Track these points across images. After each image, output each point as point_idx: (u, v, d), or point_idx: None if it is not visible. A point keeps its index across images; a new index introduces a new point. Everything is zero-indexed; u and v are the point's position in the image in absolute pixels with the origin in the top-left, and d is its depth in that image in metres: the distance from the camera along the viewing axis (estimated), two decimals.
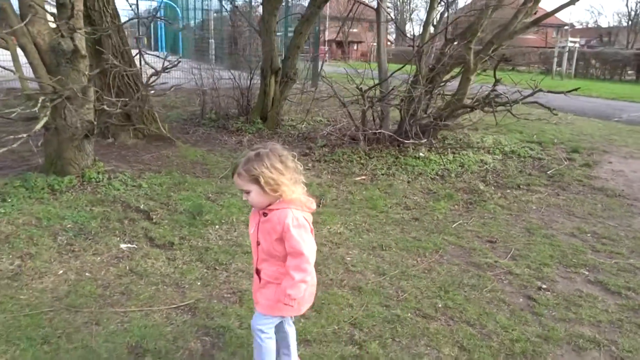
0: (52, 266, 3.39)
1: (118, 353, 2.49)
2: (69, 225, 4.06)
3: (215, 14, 25.42)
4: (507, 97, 6.57)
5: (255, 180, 1.85)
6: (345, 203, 4.99)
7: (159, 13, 32.82)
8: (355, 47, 52.53)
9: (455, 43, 6.92)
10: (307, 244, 1.87)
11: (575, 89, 6.41)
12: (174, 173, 5.56)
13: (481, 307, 3.03)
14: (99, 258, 3.55)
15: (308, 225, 1.93)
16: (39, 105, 4.49)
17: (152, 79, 5.92)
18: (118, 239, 3.88)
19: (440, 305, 3.05)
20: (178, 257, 3.60)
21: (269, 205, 1.91)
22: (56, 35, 4.99)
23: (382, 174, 6.02)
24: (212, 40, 23.44)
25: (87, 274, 3.33)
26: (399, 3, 53.94)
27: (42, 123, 4.51)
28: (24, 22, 4.74)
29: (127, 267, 3.43)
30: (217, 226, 4.19)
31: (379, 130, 6.44)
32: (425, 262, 3.67)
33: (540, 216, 4.76)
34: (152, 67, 5.85)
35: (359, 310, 2.96)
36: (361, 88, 6.73)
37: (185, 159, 6.25)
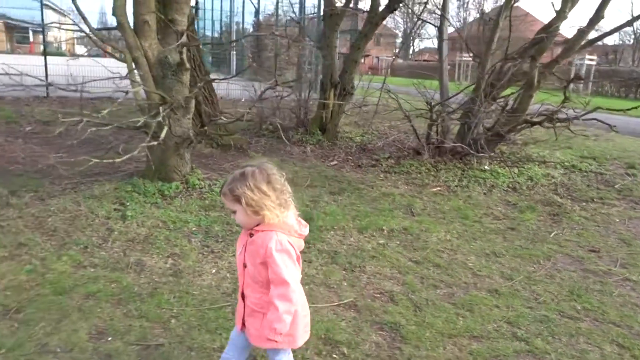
0: (204, 265, 3.64)
1: (313, 344, 2.73)
2: (194, 229, 4.31)
3: (235, 27, 25.80)
4: (566, 114, 6.89)
5: (238, 201, 1.78)
6: (437, 213, 5.25)
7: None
8: (362, 61, 53.26)
9: (516, 60, 7.24)
10: (289, 270, 1.77)
11: (635, 107, 6.71)
12: None
13: (619, 310, 3.29)
14: None
15: (293, 251, 1.82)
16: (162, 114, 4.78)
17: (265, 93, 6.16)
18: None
19: (579, 308, 3.30)
20: (313, 260, 3.85)
21: (257, 225, 1.83)
22: (164, 49, 5.30)
23: (456, 186, 6.29)
24: (234, 52, 23.81)
25: (237, 273, 3.57)
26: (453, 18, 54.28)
27: (164, 132, 4.79)
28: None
29: None
30: (332, 232, 4.44)
31: (456, 144, 6.69)
32: (543, 269, 3.93)
33: (628, 228, 5.03)
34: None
35: (507, 311, 3.22)
36: (430, 103, 7.03)
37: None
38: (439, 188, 6.22)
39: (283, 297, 1.76)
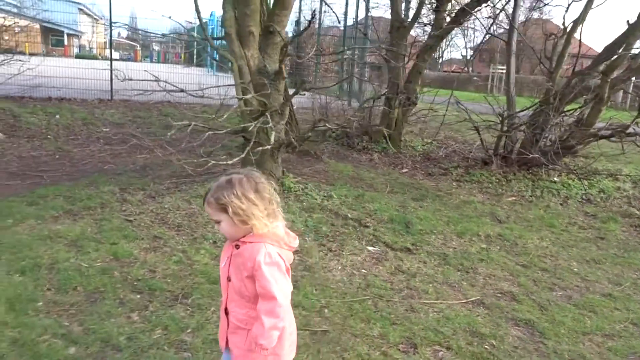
0: (328, 262, 3.91)
1: (461, 335, 2.97)
2: (302, 229, 4.59)
3: None
4: (634, 128, 7.04)
5: (224, 210, 1.67)
6: (522, 221, 5.45)
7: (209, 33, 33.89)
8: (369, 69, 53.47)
9: (586, 75, 7.41)
10: (279, 284, 1.66)
11: None
12: (347, 186, 6.09)
13: None
14: (359, 257, 4.06)
15: (283, 264, 1.70)
16: (270, 123, 5.09)
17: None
18: (357, 242, 4.39)
19: None
20: (427, 261, 4.10)
21: (244, 236, 1.72)
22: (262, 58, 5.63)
23: (530, 196, 6.48)
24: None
25: (363, 270, 3.84)
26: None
27: (273, 137, 5.11)
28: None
29: (393, 267, 3.93)
30: (432, 235, 4.69)
31: (533, 155, 6.87)
32: None
33: None
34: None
35: (628, 313, 3.42)
36: (502, 114, 7.25)
37: (341, 174, 6.79)
38: (514, 197, 6.42)
39: (270, 313, 1.64)
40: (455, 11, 8.80)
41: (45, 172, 6.00)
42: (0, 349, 2.52)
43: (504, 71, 27.48)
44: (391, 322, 3.06)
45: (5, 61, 7.66)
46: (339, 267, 3.84)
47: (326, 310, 3.15)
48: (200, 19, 5.15)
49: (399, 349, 2.79)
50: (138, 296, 3.16)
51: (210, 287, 3.31)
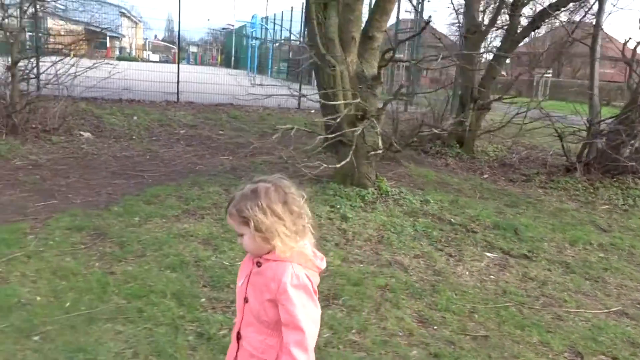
0: (455, 268, 3.94)
1: (621, 345, 2.96)
2: (412, 233, 4.63)
3: None
4: None
5: (247, 223, 1.47)
6: (626, 230, 5.37)
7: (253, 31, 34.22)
8: (424, 74, 53.09)
9: None
10: (307, 310, 1.45)
11: None
12: (437, 191, 6.10)
13: None
14: (482, 264, 4.08)
15: (311, 286, 1.49)
16: (378, 128, 5.16)
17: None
18: (472, 247, 4.40)
19: None
20: (551, 269, 4.08)
21: (268, 253, 1.51)
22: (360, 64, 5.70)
23: (623, 204, 6.37)
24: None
25: (491, 276, 3.85)
26: None
27: (380, 140, 5.17)
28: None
29: (519, 274, 3.93)
30: (545, 243, 4.66)
31: (630, 163, 6.73)
32: None
33: None
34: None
35: None
36: (590, 121, 7.14)
37: (426, 178, 6.80)
38: (607, 206, 6.31)
39: (301, 345, 1.43)
40: (532, 15, 8.72)
41: (144, 172, 6.21)
42: (189, 341, 2.64)
43: (549, 76, 26.71)
44: (545, 329, 3.06)
45: (97, 65, 7.95)
46: (467, 273, 3.86)
47: (476, 316, 3.18)
48: (312, 23, 5.23)
49: (565, 357, 2.80)
50: None
51: (353, 288, 3.38)
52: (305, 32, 6.68)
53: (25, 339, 2.58)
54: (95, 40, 11.06)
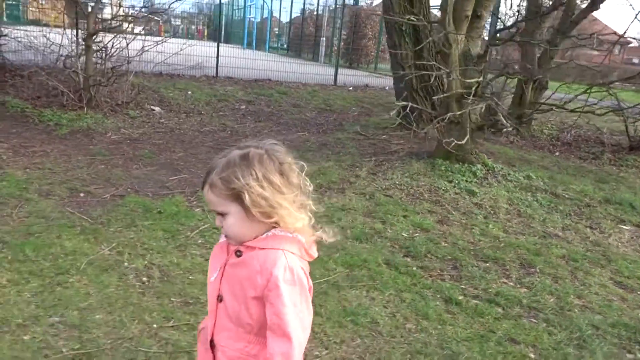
0: (608, 240, 4.20)
1: None
2: (540, 207, 4.86)
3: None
4: None
5: (237, 198, 1.18)
6: None
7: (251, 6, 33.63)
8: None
9: None
10: (299, 313, 1.19)
11: None
12: (528, 167, 6.35)
13: None
14: (625, 235, 4.35)
15: (306, 282, 1.23)
16: (501, 105, 5.32)
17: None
18: (605, 220, 4.67)
19: None
20: None
21: (255, 238, 1.23)
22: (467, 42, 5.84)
23: None
24: (324, 38, 24.24)
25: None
26: None
27: (503, 118, 5.35)
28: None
29: None
30: None
31: None
32: None
33: None
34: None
35: None
36: None
37: (507, 155, 7.03)
38: None
39: (286, 355, 1.17)
40: None
41: None
42: (438, 306, 2.83)
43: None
44: None
45: (165, 40, 7.86)
46: (619, 244, 4.13)
47: None
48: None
49: None
50: (487, 264, 3.45)
51: (537, 257, 3.60)
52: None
53: None
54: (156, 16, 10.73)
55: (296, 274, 1.19)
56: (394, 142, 7.02)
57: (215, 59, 11.71)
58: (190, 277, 2.91)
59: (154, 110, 7.68)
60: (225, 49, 13.02)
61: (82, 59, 7.18)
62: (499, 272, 3.32)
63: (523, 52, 9.02)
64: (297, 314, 1.18)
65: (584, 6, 8.98)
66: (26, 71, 7.96)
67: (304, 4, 28.33)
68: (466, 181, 5.32)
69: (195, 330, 2.39)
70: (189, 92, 9.22)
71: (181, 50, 8.37)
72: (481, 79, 5.47)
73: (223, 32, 37.01)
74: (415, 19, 5.64)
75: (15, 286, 2.62)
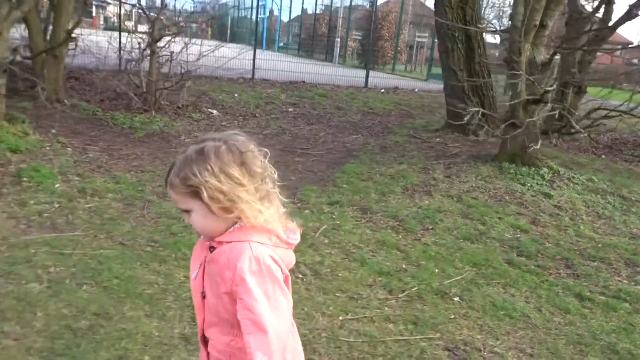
0: None
1: None
2: (614, 209, 5.13)
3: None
4: None
5: (196, 194, 1.17)
6: None
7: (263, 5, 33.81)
8: None
9: None
10: (273, 305, 1.16)
11: None
12: (584, 170, 6.62)
13: None
14: None
15: (279, 270, 1.21)
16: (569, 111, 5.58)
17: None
18: None
19: None
20: None
21: (223, 233, 1.22)
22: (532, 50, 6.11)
23: None
24: (338, 39, 24.48)
25: None
26: None
27: (580, 129, 5.62)
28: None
29: None
30: None
31: None
32: None
33: None
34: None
35: None
36: None
37: (559, 159, 7.30)
38: None
39: (264, 350, 1.14)
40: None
41: (307, 149, 6.51)
42: (571, 302, 3.09)
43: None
44: None
45: (223, 45, 8.10)
46: None
47: None
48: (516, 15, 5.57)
49: None
50: (595, 263, 3.72)
51: (635, 257, 3.87)
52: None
53: (443, 299, 2.98)
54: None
55: (263, 264, 1.16)
56: (450, 145, 7.28)
57: (252, 61, 11.95)
58: (339, 275, 3.16)
59: (212, 113, 7.92)
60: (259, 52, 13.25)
61: (143, 63, 7.41)
62: (610, 271, 3.59)
63: (563, 57, 9.31)
64: (271, 306, 1.15)
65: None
66: (87, 75, 8.19)
67: (316, 4, 28.63)
68: (537, 184, 5.58)
69: (373, 323, 2.65)
70: (236, 95, 9.46)
71: (239, 54, 8.57)
72: (554, 86, 5.74)
73: (229, 31, 37.29)
74: (487, 28, 5.90)
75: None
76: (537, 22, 5.91)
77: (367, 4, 26.40)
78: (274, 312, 1.15)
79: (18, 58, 5.24)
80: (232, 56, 9.70)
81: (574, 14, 9.16)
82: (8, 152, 4.63)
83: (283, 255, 1.24)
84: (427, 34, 24.79)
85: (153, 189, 4.37)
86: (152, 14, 7.86)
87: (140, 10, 8.13)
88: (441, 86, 14.97)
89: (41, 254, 3.00)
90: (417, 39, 23.13)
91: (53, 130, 5.80)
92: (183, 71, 7.53)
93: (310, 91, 11.09)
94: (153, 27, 7.27)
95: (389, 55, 22.01)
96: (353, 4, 25.07)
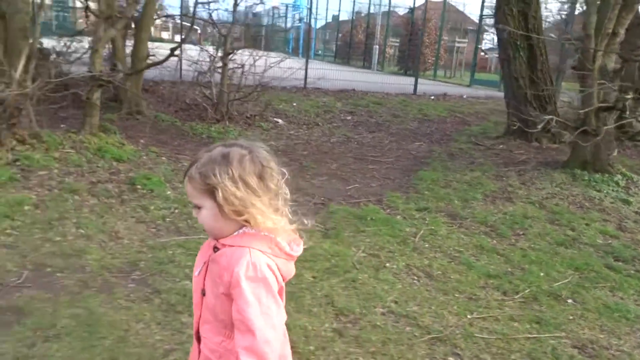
0: None
1: None
2: None
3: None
4: None
5: (212, 193, 1.22)
6: None
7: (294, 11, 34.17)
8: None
9: None
10: (264, 310, 1.21)
11: None
12: None
13: None
14: None
15: (274, 280, 1.25)
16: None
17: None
18: None
19: None
20: None
21: (228, 235, 1.27)
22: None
23: None
24: (377, 46, 24.68)
25: None
26: None
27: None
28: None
29: None
30: None
31: None
32: None
33: None
34: None
35: None
36: None
37: (622, 163, 7.32)
38: None
39: (252, 351, 1.19)
40: None
41: (377, 157, 6.73)
42: None
43: None
44: None
45: (285, 58, 8.36)
46: None
47: None
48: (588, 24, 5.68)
49: None
50: None
51: None
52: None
53: (557, 300, 3.14)
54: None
55: (259, 270, 1.21)
56: (515, 152, 7.38)
57: (304, 70, 12.26)
58: (451, 277, 3.35)
59: (278, 122, 8.23)
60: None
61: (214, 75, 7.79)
62: None
63: (623, 62, 9.29)
64: (262, 311, 1.19)
65: None
66: (155, 86, 8.63)
67: (353, 9, 28.93)
68: (613, 190, 5.65)
69: (499, 322, 2.83)
70: (294, 104, 9.77)
71: (303, 66, 8.85)
72: (630, 95, 5.81)
73: (263, 40, 37.91)
74: (563, 38, 6.01)
75: (321, 281, 3.11)
76: (609, 31, 5.99)
77: (398, 10, 26.53)
78: (263, 317, 1.19)
79: (120, 75, 5.61)
80: (292, 66, 10.00)
81: (636, 20, 9.16)
82: (114, 162, 5.01)
83: (281, 265, 1.28)
84: (466, 40, 24.81)
85: None
86: (215, 29, 8.22)
87: (211, 25, 8.49)
88: (487, 92, 15.10)
89: (179, 255, 3.30)
90: (456, 44, 23.13)
91: (142, 141, 6.18)
92: (255, 83, 7.87)
93: (364, 99, 11.33)
94: (225, 40, 7.64)
95: (429, 61, 22.08)
96: (385, 10, 25.29)
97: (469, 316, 2.84)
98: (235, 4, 7.89)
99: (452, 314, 2.87)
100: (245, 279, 1.18)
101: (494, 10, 9.12)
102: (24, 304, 2.52)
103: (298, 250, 1.31)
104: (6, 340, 2.23)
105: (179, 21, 10.08)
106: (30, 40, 5.33)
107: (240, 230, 1.25)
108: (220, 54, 7.81)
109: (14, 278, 2.79)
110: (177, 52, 6.38)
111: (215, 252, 1.28)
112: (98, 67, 5.75)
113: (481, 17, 17.19)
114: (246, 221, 1.22)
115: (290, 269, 1.32)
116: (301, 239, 1.34)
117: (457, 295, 3.10)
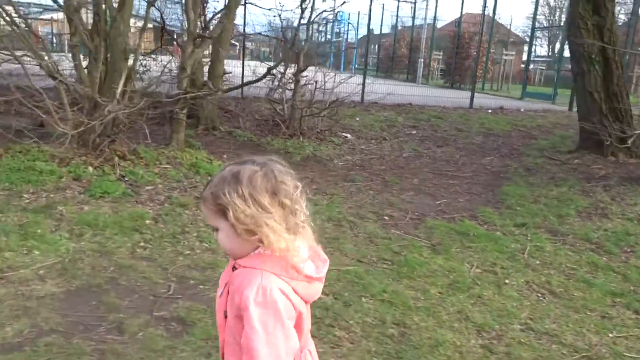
0: None
1: None
2: None
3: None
4: None
5: (223, 213, 1.20)
6: None
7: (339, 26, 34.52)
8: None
9: None
10: (272, 342, 1.15)
11: None
12: None
13: None
14: None
15: (289, 306, 1.19)
16: None
17: None
18: None
19: None
20: None
21: (246, 255, 1.24)
22: None
23: None
24: (422, 60, 24.66)
25: None
26: None
27: None
28: None
29: None
30: None
31: None
32: None
33: None
34: None
35: None
36: None
37: None
38: None
39: None
40: None
41: (452, 172, 6.73)
42: None
43: None
44: None
45: (352, 75, 8.50)
46: None
47: None
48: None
49: None
50: None
51: None
52: None
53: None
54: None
55: (269, 296, 1.15)
56: (593, 167, 7.24)
57: (362, 85, 12.40)
58: (574, 294, 3.33)
59: (347, 137, 8.34)
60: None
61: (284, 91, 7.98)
62: None
63: None
64: (267, 341, 1.14)
65: None
66: (225, 102, 8.89)
67: (396, 24, 29.05)
68: None
69: None
70: (357, 119, 9.88)
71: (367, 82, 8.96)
72: None
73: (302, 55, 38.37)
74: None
75: (448, 297, 3.14)
76: None
77: (438, 23, 26.43)
78: (269, 347, 1.14)
79: (219, 94, 5.83)
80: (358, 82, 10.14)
81: None
82: (209, 177, 5.19)
83: (300, 289, 1.22)
84: (513, 52, 24.55)
85: (347, 210, 4.74)
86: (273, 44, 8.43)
87: (279, 42, 8.73)
88: (544, 105, 14.90)
89: None
90: (504, 57, 22.89)
91: (225, 156, 6.40)
92: (324, 98, 8.03)
93: (423, 113, 11.36)
94: (298, 58, 7.83)
95: (477, 74, 21.91)
96: (429, 23, 25.27)
97: (610, 335, 2.82)
98: (309, 23, 8.08)
99: (591, 332, 2.85)
100: (254, 303, 1.15)
101: (566, 25, 9.03)
102: (185, 314, 2.66)
103: (323, 270, 1.27)
104: (184, 349, 2.35)
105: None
106: (130, 62, 5.64)
107: (256, 251, 1.22)
108: (291, 70, 8.01)
109: (163, 290, 2.94)
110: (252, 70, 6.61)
111: (233, 271, 1.26)
112: (185, 85, 6.01)
113: (533, 29, 17.04)
114: (260, 241, 1.19)
115: (314, 292, 1.27)
116: (326, 257, 1.30)
117: (588, 313, 3.08)
